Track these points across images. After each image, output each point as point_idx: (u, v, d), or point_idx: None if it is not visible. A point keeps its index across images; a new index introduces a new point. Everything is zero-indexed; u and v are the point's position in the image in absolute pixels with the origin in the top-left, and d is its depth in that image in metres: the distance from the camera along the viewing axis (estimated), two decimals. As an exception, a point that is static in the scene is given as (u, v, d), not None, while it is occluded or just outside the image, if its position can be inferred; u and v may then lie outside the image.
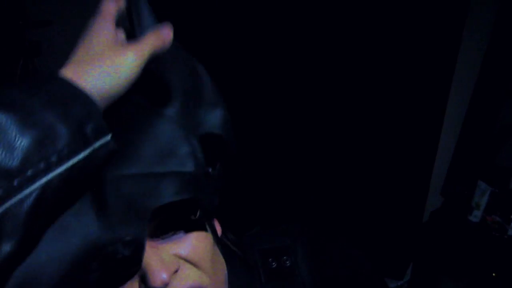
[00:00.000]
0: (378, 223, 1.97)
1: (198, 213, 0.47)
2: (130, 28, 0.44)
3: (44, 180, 0.32)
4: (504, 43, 1.73)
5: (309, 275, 0.57)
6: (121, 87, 0.38)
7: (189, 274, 0.44)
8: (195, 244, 0.45)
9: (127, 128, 0.42)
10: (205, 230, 0.48)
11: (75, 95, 0.34)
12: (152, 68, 0.42)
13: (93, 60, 0.37)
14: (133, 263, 0.39)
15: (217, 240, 0.52)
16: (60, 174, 0.33)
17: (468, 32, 1.64)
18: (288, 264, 0.58)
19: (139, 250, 0.38)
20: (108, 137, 0.36)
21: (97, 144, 0.35)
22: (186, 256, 0.44)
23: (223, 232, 0.56)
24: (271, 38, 1.77)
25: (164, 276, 0.39)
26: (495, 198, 1.80)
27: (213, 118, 0.46)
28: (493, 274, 2.03)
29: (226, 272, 0.51)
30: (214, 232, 0.51)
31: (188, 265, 0.44)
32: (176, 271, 0.42)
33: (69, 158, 0.33)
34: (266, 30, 1.77)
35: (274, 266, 0.58)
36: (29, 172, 0.31)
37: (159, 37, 0.40)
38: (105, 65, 0.37)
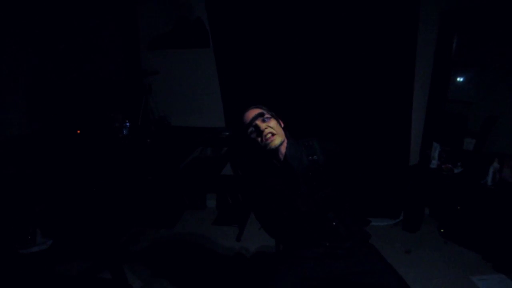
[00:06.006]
0: (377, 178, 3.01)
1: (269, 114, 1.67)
2: None
3: None
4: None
5: (321, 154, 1.66)
6: None
7: (270, 128, 1.60)
8: (272, 122, 1.63)
9: None
10: (277, 120, 1.68)
11: None
12: None
13: None
14: None
15: (281, 126, 1.68)
16: None
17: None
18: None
19: None
20: None
21: None
22: (271, 125, 1.62)
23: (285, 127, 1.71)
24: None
25: (264, 127, 1.59)
26: (448, 154, 2.78)
27: None
28: (458, 207, 2.92)
29: (284, 136, 1.65)
30: (278, 121, 1.68)
31: (270, 128, 1.61)
32: (266, 128, 1.60)
33: None
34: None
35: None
36: None
37: None
38: None
